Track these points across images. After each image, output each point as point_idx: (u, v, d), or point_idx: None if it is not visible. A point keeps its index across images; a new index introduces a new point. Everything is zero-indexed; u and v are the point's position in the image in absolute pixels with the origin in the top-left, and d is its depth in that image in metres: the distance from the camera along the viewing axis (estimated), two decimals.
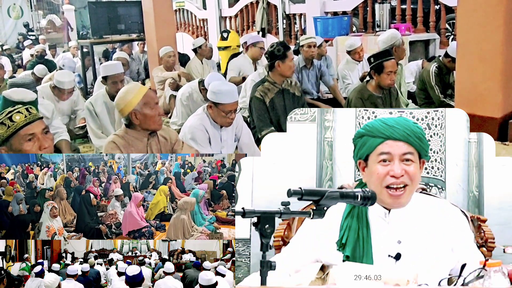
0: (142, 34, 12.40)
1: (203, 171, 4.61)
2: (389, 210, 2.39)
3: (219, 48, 12.94)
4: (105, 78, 6.26)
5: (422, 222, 2.37)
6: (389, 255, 2.32)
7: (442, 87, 7.38)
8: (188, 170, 4.69)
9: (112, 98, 5.67)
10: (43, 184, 3.52)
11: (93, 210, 3.39)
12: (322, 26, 11.35)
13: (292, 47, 7.34)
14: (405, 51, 8.57)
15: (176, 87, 8.74)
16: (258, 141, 4.82)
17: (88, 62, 12.36)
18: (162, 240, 3.44)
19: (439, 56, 7.89)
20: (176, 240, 3.39)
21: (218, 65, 11.93)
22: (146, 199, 3.66)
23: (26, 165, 3.64)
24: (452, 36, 10.52)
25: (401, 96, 6.71)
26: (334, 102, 7.72)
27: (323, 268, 2.39)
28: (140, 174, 4.20)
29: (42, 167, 3.71)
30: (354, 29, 11.81)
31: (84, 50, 12.50)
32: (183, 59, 11.36)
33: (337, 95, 7.99)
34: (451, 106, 6.81)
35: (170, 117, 8.24)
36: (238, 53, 10.69)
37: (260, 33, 13.60)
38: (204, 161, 4.71)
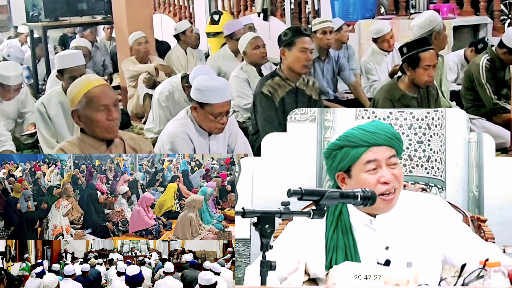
0: (109, 16, 9.56)
1: (211, 168, 4.21)
2: (375, 216, 2.37)
3: (208, 35, 10.21)
4: (61, 72, 5.11)
5: (409, 223, 2.36)
6: (378, 263, 2.31)
7: (495, 85, 5.95)
8: (196, 168, 4.32)
9: None
10: (50, 181, 3.51)
11: (100, 207, 3.37)
12: (341, 6, 8.95)
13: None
14: (448, 39, 6.43)
15: (153, 83, 7.12)
16: (259, 149, 3.47)
17: (40, 52, 9.99)
18: (162, 240, 3.44)
19: (492, 45, 6.29)
20: (176, 240, 3.38)
21: (207, 56, 9.38)
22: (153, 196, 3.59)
23: (34, 162, 3.62)
24: (508, 21, 8.42)
25: (442, 96, 5.26)
26: (355, 104, 6.05)
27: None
28: (147, 172, 4.03)
29: (50, 165, 3.69)
30: (382, 10, 9.34)
31: (35, 36, 10.14)
32: (162, 48, 9.32)
33: (359, 95, 6.53)
34: (507, 111, 5.60)
35: (144, 123, 6.79)
36: None
37: (262, 15, 10.79)
38: (213, 159, 4.26)
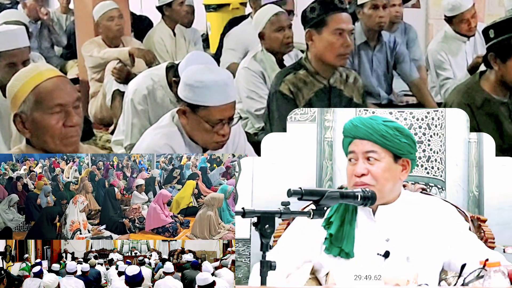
0: None
1: (232, 165, 3.56)
2: (376, 209, 2.38)
3: (208, 8, 7.65)
4: None
5: (410, 219, 2.37)
6: (378, 253, 2.32)
7: None
8: (215, 165, 3.89)
9: None
10: (68, 178, 3.50)
11: (117, 204, 3.33)
12: None
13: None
14: None
15: (126, 76, 5.07)
16: None
17: None
18: (162, 240, 3.44)
19: None
20: (197, 239, 3.34)
21: (205, 39, 7.33)
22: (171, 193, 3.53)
23: (53, 159, 3.56)
24: None
25: None
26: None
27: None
28: (164, 169, 3.80)
29: (68, 161, 3.64)
30: None
31: None
32: (141, 26, 6.73)
33: (424, 98, 4.69)
34: None
35: (112, 132, 4.94)
36: (243, 17, 6.34)
37: None
38: (234, 155, 3.43)
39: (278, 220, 2.05)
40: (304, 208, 2.67)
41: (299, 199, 2.04)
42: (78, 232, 2.99)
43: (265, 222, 1.95)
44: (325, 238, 2.38)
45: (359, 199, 2.12)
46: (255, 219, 1.96)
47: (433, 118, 3.02)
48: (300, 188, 2.02)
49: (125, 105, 4.20)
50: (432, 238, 2.34)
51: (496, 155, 2.94)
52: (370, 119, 2.39)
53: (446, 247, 2.34)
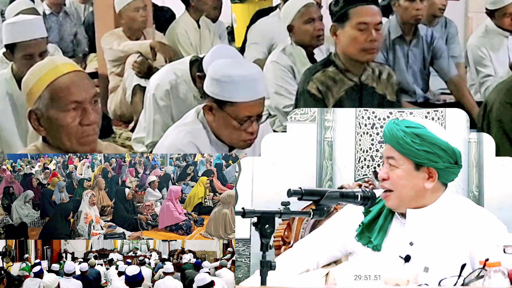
0: None
1: None
2: (404, 212, 2.37)
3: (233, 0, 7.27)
4: (11, 49, 3.62)
5: (439, 223, 2.35)
6: (399, 256, 2.32)
7: None
8: (230, 162, 3.64)
9: None
10: (81, 174, 3.48)
11: (128, 204, 3.29)
12: None
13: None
14: None
15: (147, 70, 4.91)
16: None
17: None
18: (162, 240, 3.44)
19: None
20: (213, 238, 3.33)
21: (230, 32, 6.96)
22: (184, 191, 3.46)
23: (67, 156, 3.53)
24: None
25: None
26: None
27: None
28: (178, 166, 3.67)
29: (81, 158, 3.58)
30: None
31: None
32: (162, 17, 6.47)
33: (463, 96, 4.49)
34: None
35: (132, 130, 4.80)
36: (271, 9, 6.04)
37: None
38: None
39: (278, 220, 2.05)
40: (304, 208, 2.67)
41: (299, 199, 2.04)
42: (93, 227, 2.98)
43: (265, 222, 1.95)
44: (359, 225, 2.41)
45: (359, 199, 2.12)
46: (255, 219, 1.97)
47: (433, 118, 3.02)
48: (300, 188, 2.03)
49: (146, 101, 4.09)
50: (458, 250, 2.32)
51: None
52: (394, 124, 2.33)
53: (472, 260, 2.30)
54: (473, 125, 3.50)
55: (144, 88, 4.54)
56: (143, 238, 3.28)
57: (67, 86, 2.25)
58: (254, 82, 2.75)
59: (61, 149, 2.33)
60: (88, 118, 2.28)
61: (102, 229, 3.04)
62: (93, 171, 3.51)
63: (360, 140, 3.01)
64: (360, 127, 3.00)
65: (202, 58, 3.73)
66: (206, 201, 3.27)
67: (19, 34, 3.57)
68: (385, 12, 3.83)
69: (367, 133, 3.00)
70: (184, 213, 3.17)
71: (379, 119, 3.00)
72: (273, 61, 4.28)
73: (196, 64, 3.90)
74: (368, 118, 3.02)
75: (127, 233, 3.09)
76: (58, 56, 3.59)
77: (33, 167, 3.31)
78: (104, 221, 3.06)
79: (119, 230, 3.07)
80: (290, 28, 4.33)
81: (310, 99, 3.25)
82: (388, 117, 3.02)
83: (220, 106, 2.75)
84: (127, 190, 3.28)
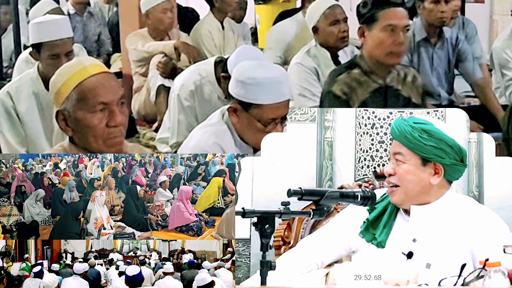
0: None
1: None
2: (408, 209, 2.38)
3: (257, 0, 7.07)
4: (37, 48, 3.62)
5: (442, 221, 2.36)
6: (402, 252, 2.33)
7: None
8: None
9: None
10: (91, 174, 3.48)
11: (139, 202, 3.30)
12: None
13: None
14: None
15: (171, 71, 4.97)
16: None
17: (7, 18, 6.49)
18: (162, 240, 3.44)
19: None
20: (224, 239, 3.33)
21: (254, 32, 6.84)
22: (195, 191, 3.45)
23: (77, 155, 3.55)
24: None
25: None
26: (482, 113, 4.25)
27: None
28: (189, 166, 3.60)
29: (91, 158, 3.60)
30: None
31: None
32: (186, 18, 6.33)
33: (488, 99, 4.44)
34: None
35: (156, 130, 4.82)
36: (295, 11, 5.96)
37: None
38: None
39: (278, 220, 2.05)
40: (304, 208, 2.67)
41: (299, 199, 2.05)
42: (103, 229, 2.98)
43: (265, 222, 1.96)
44: (363, 222, 2.42)
45: (359, 199, 2.13)
46: (255, 219, 1.97)
47: (433, 118, 3.02)
48: (300, 188, 2.03)
49: (171, 101, 4.12)
50: (460, 247, 2.33)
51: None
52: (402, 120, 2.37)
53: (473, 258, 2.32)
54: (498, 128, 3.57)
55: (168, 88, 4.62)
56: (153, 239, 3.28)
57: (95, 88, 2.28)
58: (279, 84, 2.78)
59: (87, 149, 2.40)
60: (115, 120, 2.31)
61: (112, 228, 3.03)
62: (102, 171, 3.50)
63: (360, 140, 3.01)
64: (360, 127, 3.00)
65: (226, 59, 3.78)
66: (218, 202, 3.26)
67: (45, 33, 3.60)
68: (409, 14, 3.65)
69: (367, 133, 3.00)
70: (195, 214, 3.15)
71: (379, 119, 3.00)
72: (297, 63, 4.29)
73: (221, 65, 3.94)
74: (368, 118, 3.02)
75: (137, 233, 3.07)
76: (87, 57, 3.62)
77: (44, 166, 3.32)
78: (114, 221, 3.05)
79: (129, 230, 3.05)
80: (315, 30, 4.36)
81: (335, 101, 3.25)
82: (388, 117, 3.02)
83: (245, 108, 2.79)
84: (138, 187, 3.28)
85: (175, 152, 3.63)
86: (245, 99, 2.78)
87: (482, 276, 2.03)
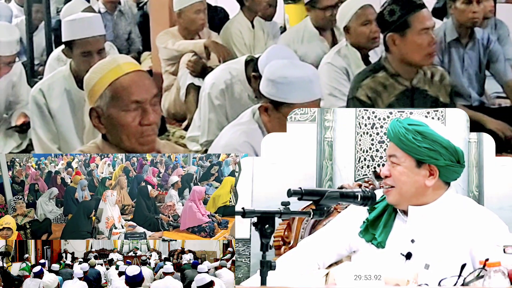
0: None
1: None
2: (406, 210, 2.38)
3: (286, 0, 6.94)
4: (70, 46, 3.64)
5: (440, 221, 2.36)
6: (400, 253, 2.33)
7: None
8: None
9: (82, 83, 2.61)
10: (102, 173, 3.46)
11: (151, 202, 3.29)
12: None
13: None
14: None
15: (201, 70, 4.97)
16: None
17: (38, 16, 6.33)
18: (162, 240, 3.44)
19: None
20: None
21: (283, 31, 6.56)
22: (207, 192, 3.41)
23: (88, 155, 3.52)
24: None
25: None
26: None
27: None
28: (201, 166, 3.59)
29: (103, 157, 3.57)
30: None
31: None
32: (216, 17, 6.33)
33: None
34: None
35: (186, 128, 4.86)
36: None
37: None
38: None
39: (278, 220, 2.05)
40: (304, 208, 2.67)
41: (299, 199, 2.04)
42: (114, 228, 2.98)
43: (265, 222, 1.95)
44: (363, 222, 2.41)
45: (359, 199, 2.13)
46: (255, 219, 1.97)
47: (433, 118, 3.02)
48: (300, 188, 2.03)
49: (201, 100, 4.14)
50: (459, 248, 2.32)
51: None
52: (397, 122, 2.36)
53: (473, 259, 2.31)
54: None
55: (198, 87, 4.65)
56: (164, 239, 3.27)
57: (128, 86, 2.29)
58: (309, 84, 2.79)
59: (120, 147, 2.37)
60: (147, 118, 2.31)
61: (123, 227, 3.02)
62: (114, 170, 3.47)
63: (360, 140, 3.01)
64: (360, 127, 3.00)
65: (257, 58, 3.79)
66: (230, 201, 3.22)
67: (78, 31, 3.61)
68: (440, 14, 3.81)
69: (367, 133, 3.00)
70: (208, 215, 3.11)
71: (379, 119, 3.00)
72: (328, 62, 4.27)
73: (251, 64, 3.94)
74: (368, 118, 3.02)
75: (148, 233, 3.05)
76: (121, 55, 3.57)
77: (56, 165, 3.32)
78: (125, 220, 3.04)
79: (140, 229, 3.04)
80: (346, 30, 4.35)
81: (360, 106, 3.18)
82: (388, 117, 3.02)
83: (276, 107, 2.81)
84: (149, 187, 3.26)
85: (206, 150, 3.66)
86: (276, 98, 2.80)
87: (482, 276, 2.03)
